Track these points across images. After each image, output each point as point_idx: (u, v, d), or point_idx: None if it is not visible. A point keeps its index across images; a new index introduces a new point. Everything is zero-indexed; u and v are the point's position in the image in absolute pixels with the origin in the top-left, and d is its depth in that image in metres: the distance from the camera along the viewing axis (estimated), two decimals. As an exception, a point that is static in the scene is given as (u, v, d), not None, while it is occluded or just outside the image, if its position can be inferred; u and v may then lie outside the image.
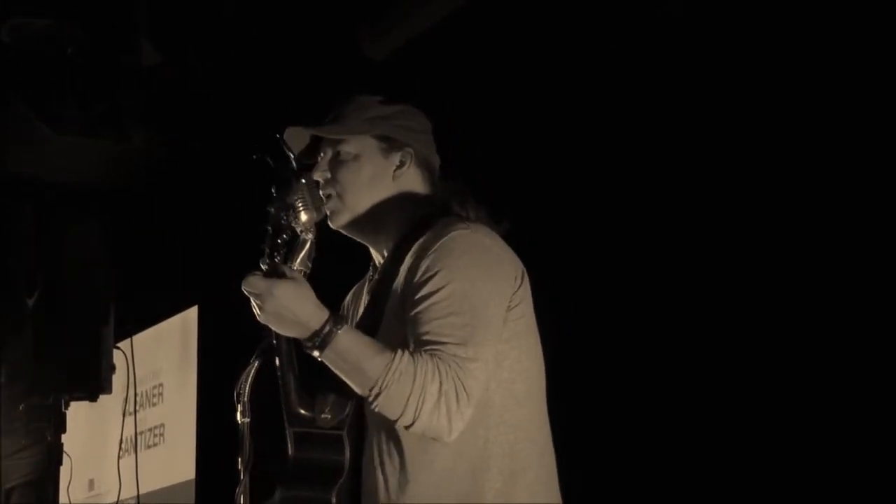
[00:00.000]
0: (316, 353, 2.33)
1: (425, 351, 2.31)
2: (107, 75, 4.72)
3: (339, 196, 2.54)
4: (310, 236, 2.46)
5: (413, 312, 2.37)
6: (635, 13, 3.61)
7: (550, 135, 3.83)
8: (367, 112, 2.59)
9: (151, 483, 5.67)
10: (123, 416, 5.50)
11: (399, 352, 2.30)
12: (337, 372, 2.34)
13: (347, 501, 2.43)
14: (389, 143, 2.57)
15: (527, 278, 2.49)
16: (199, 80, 4.88)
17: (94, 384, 4.89)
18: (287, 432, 2.48)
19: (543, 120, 3.86)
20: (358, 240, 2.62)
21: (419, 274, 2.40)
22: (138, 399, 5.77)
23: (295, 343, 2.40)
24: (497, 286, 2.42)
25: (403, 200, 2.57)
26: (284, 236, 2.35)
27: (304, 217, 2.47)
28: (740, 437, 3.22)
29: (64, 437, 4.96)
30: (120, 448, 5.47)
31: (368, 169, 2.56)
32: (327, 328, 2.30)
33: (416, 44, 4.26)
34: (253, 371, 2.47)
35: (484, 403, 2.37)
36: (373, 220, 2.57)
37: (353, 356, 2.31)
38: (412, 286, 2.40)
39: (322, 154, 2.59)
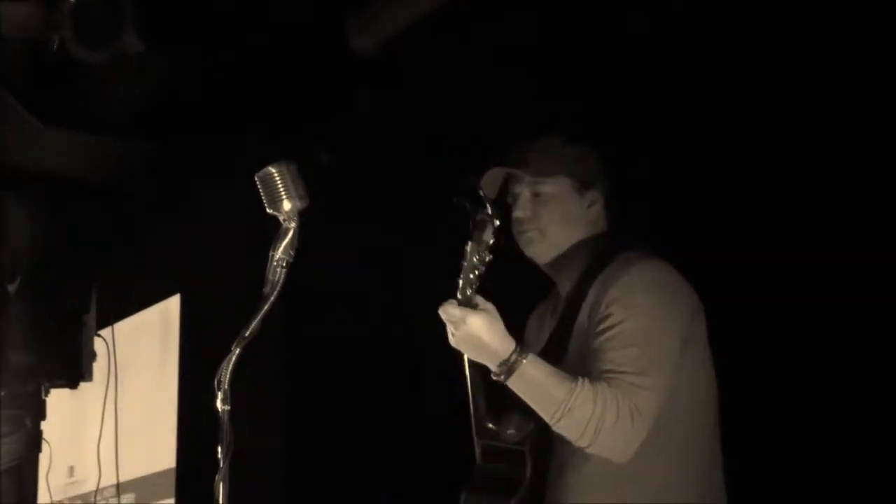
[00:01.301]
0: (502, 379, 2.56)
1: (604, 379, 2.55)
2: (90, 66, 4.71)
3: (541, 231, 2.78)
4: (293, 225, 2.52)
5: (595, 343, 2.62)
6: (635, 8, 3.60)
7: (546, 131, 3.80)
8: (556, 153, 2.82)
9: (131, 471, 5.67)
10: (104, 403, 5.50)
11: (580, 379, 2.54)
12: (522, 396, 2.57)
13: None
14: (580, 183, 2.81)
15: (702, 310, 2.72)
16: (182, 70, 4.87)
17: (74, 371, 4.90)
18: (476, 444, 2.75)
19: (536, 115, 3.85)
20: (546, 270, 2.85)
21: (603, 307, 2.64)
22: (119, 386, 5.77)
23: (482, 367, 2.62)
24: (676, 320, 2.65)
25: (591, 235, 2.81)
26: (478, 272, 2.52)
27: (287, 205, 2.52)
28: (741, 436, 3.21)
29: (44, 425, 4.96)
30: (100, 436, 5.48)
31: (566, 207, 2.80)
32: (513, 357, 2.53)
33: (403, 37, 4.26)
34: (234, 360, 2.48)
35: (658, 433, 2.57)
36: (566, 253, 2.80)
37: (538, 382, 2.55)
38: (596, 319, 2.65)
39: (518, 192, 2.82)
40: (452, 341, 2.56)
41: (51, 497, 5.77)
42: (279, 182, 2.54)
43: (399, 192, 4.23)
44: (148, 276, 5.82)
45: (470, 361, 2.67)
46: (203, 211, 5.40)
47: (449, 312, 2.52)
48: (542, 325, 2.93)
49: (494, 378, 2.57)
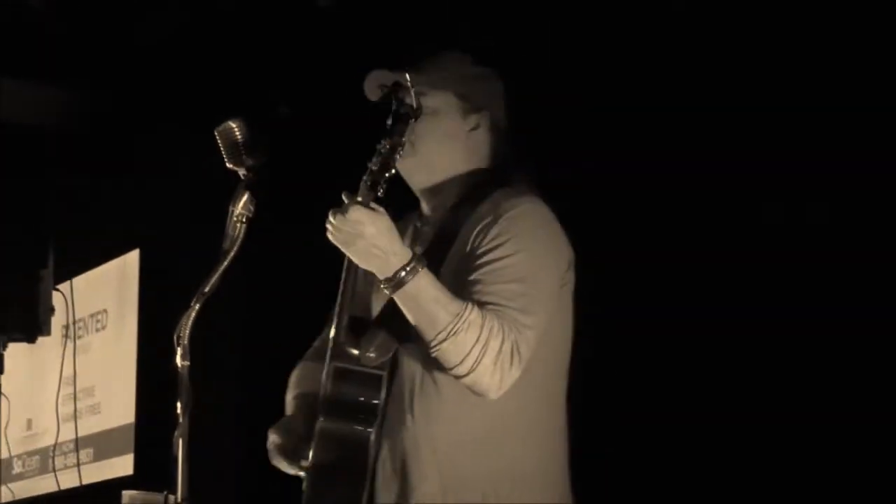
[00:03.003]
0: (389, 291, 2.41)
1: (489, 309, 2.41)
2: (50, 19, 4.66)
3: (412, 145, 2.57)
4: (251, 180, 2.51)
5: (477, 275, 2.48)
6: (638, 8, 3.58)
7: (549, 129, 3.77)
8: (452, 69, 2.67)
9: (90, 427, 5.66)
10: (62, 358, 5.48)
11: (469, 303, 2.41)
12: (407, 312, 2.42)
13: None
14: (468, 104, 2.66)
15: (573, 265, 2.62)
16: (142, 23, 4.82)
17: (32, 326, 4.85)
18: (327, 367, 2.56)
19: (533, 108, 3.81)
20: (414, 188, 2.69)
21: (488, 240, 2.50)
22: (78, 341, 5.74)
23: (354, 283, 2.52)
24: (556, 263, 2.57)
25: (468, 162, 2.66)
26: (389, 172, 2.40)
27: (247, 161, 2.51)
28: (739, 437, 3.23)
29: (2, 378, 4.93)
30: (58, 391, 5.46)
31: (445, 125, 2.64)
32: (410, 266, 2.39)
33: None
34: (193, 315, 2.47)
35: (522, 373, 2.46)
36: (437, 174, 2.65)
37: (427, 299, 2.40)
38: (478, 252, 2.51)
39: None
40: (339, 240, 2.41)
41: (9, 452, 5.76)
42: (238, 136, 2.53)
43: (360, 146, 4.20)
44: (107, 229, 5.78)
45: (347, 277, 2.55)
46: (163, 164, 5.36)
47: (356, 211, 2.37)
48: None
49: (383, 287, 2.42)
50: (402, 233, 2.63)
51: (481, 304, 2.43)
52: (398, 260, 2.40)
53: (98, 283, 5.88)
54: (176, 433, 2.42)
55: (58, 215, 5.09)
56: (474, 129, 2.67)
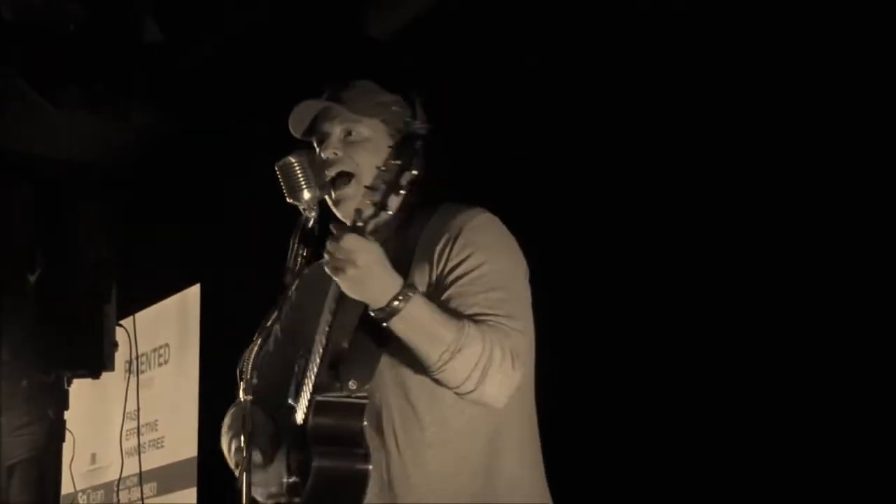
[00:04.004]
0: (382, 320, 2.37)
1: (478, 321, 2.39)
2: (108, 52, 4.71)
3: (357, 178, 2.56)
4: (313, 213, 2.51)
5: (454, 289, 2.46)
6: (638, 8, 3.59)
7: (551, 124, 3.80)
8: (374, 97, 2.63)
9: (154, 460, 5.68)
10: (126, 393, 5.51)
11: (465, 318, 2.39)
12: (406, 338, 2.38)
13: None
14: (394, 130, 2.62)
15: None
16: (201, 57, 4.86)
17: (96, 361, 4.90)
18: (307, 400, 2.50)
19: (542, 108, 3.84)
20: (346, 214, 2.60)
21: (455, 253, 2.48)
22: (141, 376, 5.78)
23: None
24: (522, 270, 2.55)
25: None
26: (388, 194, 2.38)
27: (307, 195, 2.51)
28: (739, 437, 3.21)
29: (67, 414, 4.97)
30: (122, 425, 5.49)
31: (381, 153, 2.58)
32: (405, 292, 2.36)
33: (420, 25, 4.25)
34: (256, 349, 2.47)
35: None
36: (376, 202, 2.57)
37: (427, 321, 2.36)
38: (448, 266, 2.48)
39: (325, 132, 2.62)
40: (331, 268, 2.37)
41: (74, 486, 5.79)
42: (298, 171, 2.53)
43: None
44: (168, 264, 5.82)
45: (340, 305, 2.48)
46: (223, 199, 5.39)
47: (351, 241, 2.34)
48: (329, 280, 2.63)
49: (375, 317, 2.37)
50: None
51: (473, 317, 2.40)
52: (392, 289, 2.36)
53: (160, 317, 5.92)
54: (239, 467, 2.41)
55: (121, 251, 5.13)
56: None
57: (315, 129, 2.63)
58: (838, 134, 3.09)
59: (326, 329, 2.50)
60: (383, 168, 2.39)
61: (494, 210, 2.59)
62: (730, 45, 3.34)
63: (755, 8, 3.29)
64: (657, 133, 3.51)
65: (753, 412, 3.18)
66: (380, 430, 2.49)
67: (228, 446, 2.72)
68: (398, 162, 2.39)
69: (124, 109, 5.05)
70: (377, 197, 2.38)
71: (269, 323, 2.53)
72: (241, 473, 2.41)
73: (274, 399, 2.62)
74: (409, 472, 2.46)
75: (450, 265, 2.48)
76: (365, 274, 2.35)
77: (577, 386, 3.44)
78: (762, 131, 3.26)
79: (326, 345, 2.49)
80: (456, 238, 2.49)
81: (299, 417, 2.52)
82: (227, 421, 2.79)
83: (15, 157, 5.31)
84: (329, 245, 2.36)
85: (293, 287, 2.57)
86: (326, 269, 2.39)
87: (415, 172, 2.41)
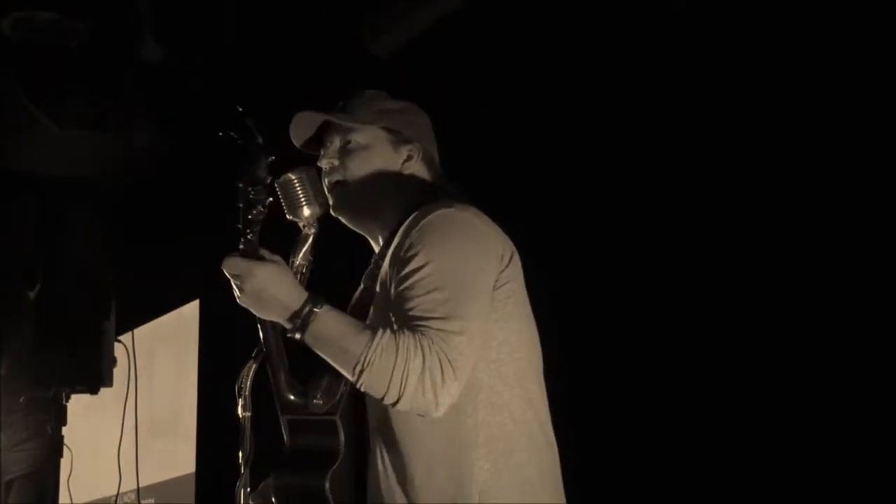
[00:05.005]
0: (297, 336, 2.32)
1: (409, 328, 2.30)
2: (110, 70, 4.73)
3: (345, 183, 2.57)
4: (312, 230, 2.52)
5: (397, 291, 2.38)
6: (638, 9, 3.61)
7: (553, 132, 3.83)
8: (375, 105, 2.64)
9: (152, 476, 5.68)
10: (124, 408, 5.51)
11: (381, 329, 2.29)
12: (321, 354, 2.34)
13: (345, 486, 2.43)
14: (398, 137, 2.62)
15: (517, 258, 2.49)
16: (201, 75, 4.88)
17: (94, 377, 4.90)
18: (281, 420, 2.49)
19: (545, 117, 3.87)
20: (357, 229, 2.65)
21: (402, 253, 2.40)
22: (139, 392, 5.78)
23: (282, 329, 2.39)
24: (482, 262, 2.41)
25: (406, 193, 2.59)
26: (255, 211, 2.34)
27: (307, 212, 2.52)
28: (738, 436, 3.22)
29: (65, 430, 4.98)
30: (121, 440, 5.49)
31: (378, 160, 2.59)
32: (307, 308, 2.30)
33: (420, 41, 4.27)
34: (255, 366, 2.47)
35: (472, 384, 2.36)
36: (374, 210, 2.60)
37: (335, 335, 2.30)
38: (395, 266, 2.41)
39: (328, 143, 2.63)
40: (241, 300, 2.35)
41: (72, 502, 5.79)
42: (298, 188, 2.53)
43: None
44: (167, 281, 5.83)
45: (264, 326, 2.45)
46: (223, 216, 5.40)
47: (232, 266, 2.33)
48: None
49: (290, 335, 2.33)
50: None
51: (404, 323, 2.32)
52: (293, 304, 2.32)
53: (159, 333, 5.93)
54: (238, 484, 2.42)
55: (119, 267, 5.14)
56: (407, 160, 2.62)
57: (323, 144, 2.65)
58: (838, 134, 3.10)
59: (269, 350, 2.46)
60: (241, 190, 2.35)
61: (495, 210, 2.53)
62: (730, 45, 3.36)
63: (755, 8, 3.31)
64: (657, 133, 3.53)
65: (753, 412, 3.19)
66: (370, 441, 2.49)
67: None
68: (248, 180, 2.35)
69: (125, 127, 5.07)
70: (244, 224, 2.35)
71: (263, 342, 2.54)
72: (238, 490, 2.42)
73: None
74: (392, 489, 2.43)
75: (399, 270, 2.40)
76: (259, 295, 2.32)
77: (577, 386, 3.43)
78: (762, 131, 3.27)
79: (273, 357, 2.45)
80: (411, 241, 2.41)
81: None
82: None
83: (16, 173, 5.33)
84: (224, 268, 2.35)
85: None
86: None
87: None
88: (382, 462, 2.46)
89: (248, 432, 2.44)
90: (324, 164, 2.61)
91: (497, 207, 2.55)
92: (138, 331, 5.79)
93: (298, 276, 2.51)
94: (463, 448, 2.38)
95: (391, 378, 2.26)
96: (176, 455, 5.63)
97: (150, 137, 5.15)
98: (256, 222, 2.36)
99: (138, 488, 5.57)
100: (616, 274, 3.60)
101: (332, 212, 2.59)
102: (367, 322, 2.43)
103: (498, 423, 2.40)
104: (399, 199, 2.58)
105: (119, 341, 5.24)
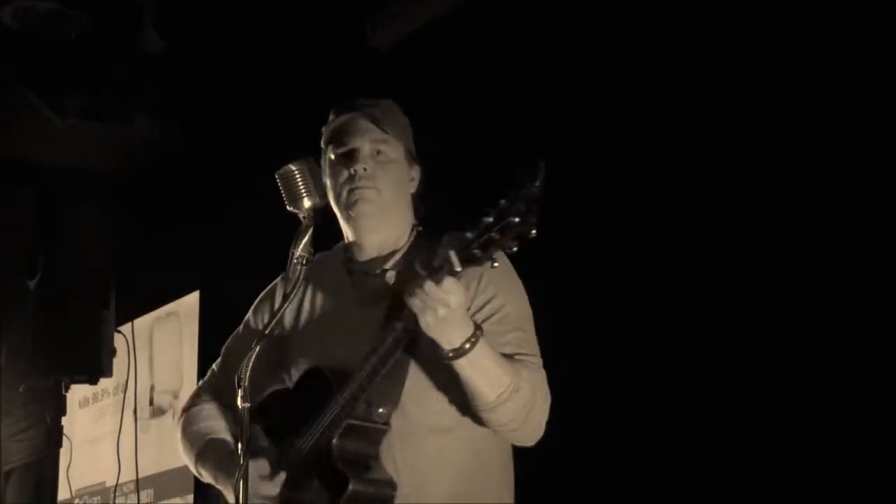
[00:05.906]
0: (450, 358, 2.38)
1: (516, 360, 2.49)
2: (110, 60, 4.73)
3: (378, 191, 2.62)
4: (312, 222, 2.53)
5: (485, 328, 2.45)
6: (639, 6, 3.61)
7: (551, 129, 3.82)
8: (401, 119, 2.72)
9: (151, 466, 5.68)
10: (123, 399, 5.51)
11: (516, 359, 2.49)
12: (466, 376, 2.41)
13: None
14: (409, 156, 2.71)
15: None
16: (202, 66, 4.88)
17: (94, 367, 4.89)
18: (338, 422, 2.50)
19: (544, 114, 3.86)
20: (366, 232, 2.67)
21: (479, 293, 2.54)
22: (138, 382, 5.78)
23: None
24: (529, 305, 2.65)
25: (409, 212, 2.71)
26: (494, 235, 2.21)
27: (307, 203, 2.53)
28: (738, 436, 3.21)
29: (64, 420, 4.98)
30: (119, 431, 5.49)
31: (402, 177, 2.68)
32: (474, 336, 2.38)
33: (422, 34, 4.27)
34: (254, 357, 2.47)
35: None
36: (391, 223, 2.68)
37: (490, 363, 2.42)
38: (472, 305, 2.51)
39: (356, 146, 2.65)
40: (417, 306, 2.32)
41: (71, 492, 5.79)
42: (299, 180, 2.54)
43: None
44: (167, 271, 5.83)
45: (411, 342, 2.46)
46: (223, 206, 5.40)
47: (447, 284, 2.29)
48: (333, 293, 2.72)
49: (444, 356, 2.38)
50: (323, 269, 2.71)
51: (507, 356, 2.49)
52: (466, 332, 2.38)
53: (158, 324, 5.93)
54: (237, 474, 2.42)
55: (119, 257, 5.14)
56: (412, 180, 2.72)
57: (341, 141, 2.66)
58: (838, 134, 3.10)
59: (369, 370, 2.48)
60: (511, 217, 2.21)
61: (495, 205, 2.49)
62: (730, 45, 3.35)
63: (755, 8, 3.31)
64: (657, 131, 3.52)
65: (753, 412, 3.19)
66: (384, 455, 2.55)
67: (199, 452, 2.88)
68: (524, 220, 2.20)
69: (126, 118, 5.07)
70: (478, 246, 2.25)
71: (266, 331, 2.55)
72: (238, 481, 2.42)
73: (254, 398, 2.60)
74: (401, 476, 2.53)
75: (475, 304, 2.53)
76: (452, 316, 2.34)
77: (578, 387, 3.43)
78: (762, 131, 3.27)
79: (385, 371, 2.48)
80: (480, 279, 2.53)
81: (311, 440, 2.55)
82: (193, 418, 2.88)
83: (16, 163, 5.33)
84: (426, 285, 2.30)
85: (292, 297, 2.59)
86: (411, 306, 2.34)
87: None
88: (394, 463, 2.53)
89: (246, 423, 2.44)
90: (358, 167, 2.62)
91: (497, 202, 2.54)
92: (138, 321, 5.79)
93: (298, 267, 2.53)
94: (485, 463, 2.58)
95: (523, 406, 2.45)
96: (175, 446, 5.63)
97: (150, 127, 5.16)
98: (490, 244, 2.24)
99: (138, 479, 5.57)
100: (616, 274, 3.59)
101: (355, 213, 2.63)
102: (420, 347, 2.50)
103: (505, 441, 2.61)
104: (405, 217, 2.70)
105: (119, 331, 5.24)
